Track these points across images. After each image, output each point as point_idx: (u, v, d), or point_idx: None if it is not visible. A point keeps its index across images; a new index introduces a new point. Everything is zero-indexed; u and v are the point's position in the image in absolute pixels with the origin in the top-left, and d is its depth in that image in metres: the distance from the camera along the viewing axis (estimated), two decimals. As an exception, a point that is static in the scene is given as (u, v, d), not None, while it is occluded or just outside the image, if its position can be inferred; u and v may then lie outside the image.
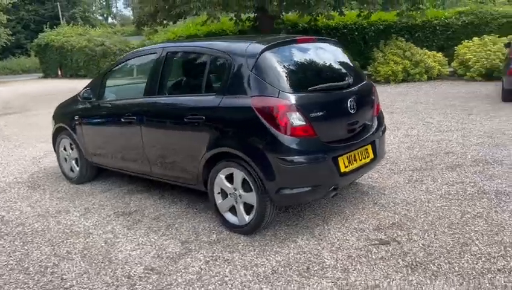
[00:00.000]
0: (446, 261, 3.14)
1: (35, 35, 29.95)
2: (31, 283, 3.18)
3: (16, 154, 7.13)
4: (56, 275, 3.28)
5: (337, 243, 3.50)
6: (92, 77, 24.58)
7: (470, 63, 12.94)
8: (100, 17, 49.08)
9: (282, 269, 3.15)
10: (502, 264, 3.06)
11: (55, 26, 30.27)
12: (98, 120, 4.86)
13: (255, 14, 15.32)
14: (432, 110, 8.86)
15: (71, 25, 31.32)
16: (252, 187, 3.54)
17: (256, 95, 3.47)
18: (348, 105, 3.77)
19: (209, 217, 4.11)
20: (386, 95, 10.92)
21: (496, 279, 2.88)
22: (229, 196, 3.75)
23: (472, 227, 3.63)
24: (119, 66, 4.82)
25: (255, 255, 3.38)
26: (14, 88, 21.30)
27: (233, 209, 3.78)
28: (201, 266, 3.26)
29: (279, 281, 3.00)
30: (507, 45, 10.88)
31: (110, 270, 3.29)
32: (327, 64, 4.03)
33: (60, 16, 42.02)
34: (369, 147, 3.99)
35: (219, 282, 3.04)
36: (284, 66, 3.63)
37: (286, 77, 3.53)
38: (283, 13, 15.23)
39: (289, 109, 3.37)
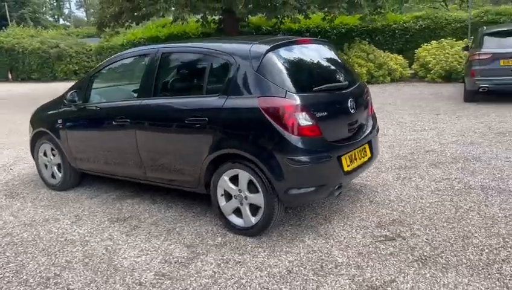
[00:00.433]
0: (452, 254, 3.25)
1: (-19, 36, 28.38)
2: (36, 295, 3.03)
3: (-17, 162, 6.74)
4: (61, 285, 3.13)
5: (345, 241, 3.55)
6: (47, 80, 23.67)
7: (430, 65, 13.51)
8: (51, 19, 47.23)
9: (297, 269, 3.16)
10: (505, 254, 3.21)
11: (4, 28, 28.86)
12: (86, 124, 4.68)
13: (220, 17, 15.30)
14: (402, 111, 9.16)
15: (21, 26, 29.95)
16: (259, 188, 3.52)
17: (262, 96, 3.46)
18: (349, 105, 3.84)
19: (209, 220, 4.06)
20: (354, 97, 11.16)
21: (503, 269, 3.02)
22: (233, 198, 3.72)
23: (468, 221, 3.79)
24: (107, 67, 4.66)
25: (266, 256, 3.37)
26: (-37, 92, 20.12)
27: (237, 212, 3.75)
28: (214, 269, 3.22)
29: (296, 281, 3.01)
30: (465, 48, 11.42)
31: (118, 278, 3.18)
32: (326, 65, 4.09)
33: (8, 17, 40.10)
34: (367, 146, 4.08)
35: (236, 285, 3.01)
36: (288, 67, 3.65)
37: (291, 77, 3.55)
38: (248, 16, 15.29)
39: (296, 109, 3.39)
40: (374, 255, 3.30)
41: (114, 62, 4.61)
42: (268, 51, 3.57)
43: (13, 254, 3.64)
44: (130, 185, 4.99)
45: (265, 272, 3.14)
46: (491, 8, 16.97)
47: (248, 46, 3.67)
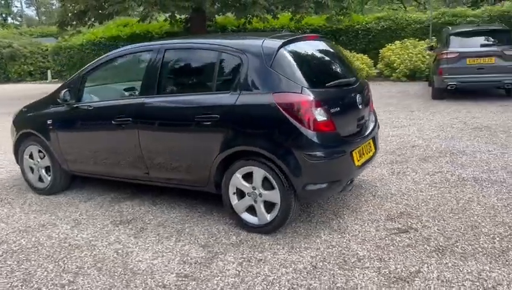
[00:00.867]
0: (466, 243, 3.37)
1: None
2: (54, 304, 2.87)
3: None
4: (79, 292, 2.98)
5: (360, 234, 3.59)
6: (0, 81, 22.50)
7: (394, 64, 13.92)
8: (-2, 17, 44.94)
9: (321, 264, 3.17)
10: (516, 241, 3.36)
11: None
12: (80, 124, 4.48)
13: (187, 16, 15.12)
14: (376, 108, 9.33)
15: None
16: (276, 185, 3.50)
17: (277, 92, 3.44)
18: (357, 100, 3.89)
19: (217, 219, 3.99)
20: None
21: (518, 255, 3.16)
22: (246, 196, 3.67)
23: (472, 211, 3.93)
24: (102, 65, 4.46)
25: (286, 252, 3.35)
26: None
27: (250, 209, 3.71)
28: (237, 268, 3.16)
29: (324, 276, 3.01)
30: (430, 48, 11.87)
31: (138, 281, 3.07)
32: (333, 61, 4.13)
33: (-49, 15, 37.81)
34: (371, 142, 4.14)
35: (264, 282, 2.97)
36: (302, 62, 3.65)
37: (305, 72, 3.55)
38: (215, 15, 15.20)
39: (313, 104, 3.40)
40: (392, 247, 3.36)
41: (109, 60, 4.43)
42: (280, 46, 3.56)
43: (15, 262, 3.43)
44: (123, 186, 4.83)
45: (291, 269, 3.12)
46: (447, 10, 17.72)
47: (259, 42, 3.64)
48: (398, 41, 14.81)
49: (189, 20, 15.25)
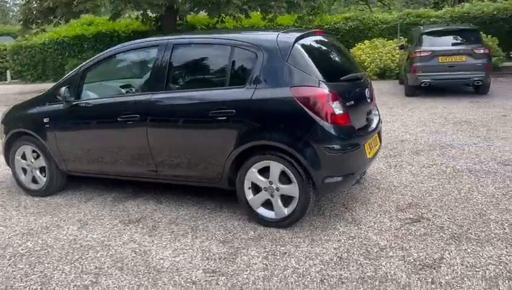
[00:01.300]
0: (479, 230, 3.50)
1: None
2: (82, 305, 2.76)
3: None
4: (106, 292, 2.89)
5: (376, 225, 3.66)
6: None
7: (365, 63, 14.24)
8: None
9: (346, 255, 3.21)
10: (524, 227, 3.53)
11: None
12: (81, 122, 4.32)
13: (157, 14, 14.88)
14: (355, 106, 9.57)
15: None
16: (293, 178, 3.51)
17: (295, 86, 3.46)
18: (366, 94, 3.97)
19: (229, 215, 3.96)
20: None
21: (530, 239, 3.32)
22: (262, 190, 3.67)
23: (475, 200, 4.10)
24: (102, 61, 4.31)
25: (308, 245, 3.38)
26: None
27: (265, 204, 3.70)
28: (263, 262, 3.16)
29: (352, 266, 3.06)
30: (401, 47, 12.24)
31: (166, 279, 3.00)
32: (342, 56, 4.19)
33: None
34: (377, 135, 4.24)
35: (295, 274, 2.98)
36: (315, 57, 3.69)
37: (320, 67, 3.58)
38: (187, 14, 15.05)
39: (331, 98, 3.44)
40: (410, 236, 3.45)
41: (111, 55, 4.30)
42: (296, 41, 3.58)
43: (27, 266, 3.28)
44: (122, 186, 4.72)
45: (317, 261, 3.15)
46: (411, 10, 18.31)
47: (274, 37, 3.65)
48: (368, 41, 15.17)
49: (160, 19, 15.03)
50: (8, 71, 21.50)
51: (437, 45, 10.21)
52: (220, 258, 3.24)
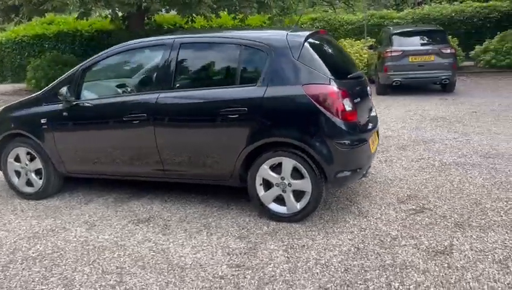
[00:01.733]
0: (478, 217, 3.74)
1: None
2: (114, 305, 2.75)
3: None
4: (135, 291, 2.89)
5: (383, 217, 3.83)
6: None
7: (335, 63, 14.57)
8: None
9: (362, 245, 3.35)
10: (518, 213, 3.79)
11: None
12: (82, 122, 4.24)
13: (125, 14, 14.61)
14: (332, 104, 9.81)
15: None
16: (306, 174, 3.62)
17: (307, 83, 3.57)
18: (368, 92, 4.14)
19: (238, 212, 4.02)
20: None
21: (526, 225, 3.58)
22: (274, 186, 3.75)
23: (468, 190, 4.35)
24: (104, 60, 4.25)
25: (323, 237, 3.49)
26: None
27: (277, 200, 3.79)
28: (285, 255, 3.25)
29: (371, 255, 3.20)
30: (371, 47, 12.63)
31: (192, 275, 3.03)
32: (344, 55, 4.33)
33: None
34: (376, 132, 4.41)
35: (319, 265, 3.09)
36: (324, 55, 3.81)
37: (329, 65, 3.70)
38: (157, 13, 14.88)
39: (342, 95, 3.57)
40: (417, 225, 3.64)
41: (113, 54, 4.25)
42: (306, 39, 3.69)
43: (43, 269, 3.22)
44: (121, 186, 4.67)
45: (336, 252, 3.27)
46: (375, 12, 18.89)
47: (283, 36, 3.74)
48: (336, 41, 15.53)
49: (127, 18, 14.78)
50: (-38, 72, 20.46)
51: (407, 45, 10.62)
52: (241, 253, 3.30)
